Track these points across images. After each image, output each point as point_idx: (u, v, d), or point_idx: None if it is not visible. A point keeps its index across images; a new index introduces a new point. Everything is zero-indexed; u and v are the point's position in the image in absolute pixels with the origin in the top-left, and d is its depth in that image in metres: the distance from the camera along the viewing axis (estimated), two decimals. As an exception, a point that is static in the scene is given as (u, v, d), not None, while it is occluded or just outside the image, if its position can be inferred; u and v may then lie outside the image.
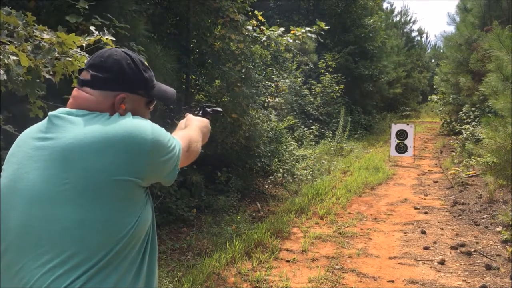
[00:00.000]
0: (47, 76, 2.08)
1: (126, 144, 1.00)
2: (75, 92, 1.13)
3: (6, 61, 1.85)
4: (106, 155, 0.98)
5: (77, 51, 2.21)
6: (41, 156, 1.01)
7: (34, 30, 2.13)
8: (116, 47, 1.21)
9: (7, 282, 1.00)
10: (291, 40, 6.18)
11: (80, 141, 0.99)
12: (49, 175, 0.98)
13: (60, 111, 1.08)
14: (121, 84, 1.12)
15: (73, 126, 1.03)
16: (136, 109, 1.16)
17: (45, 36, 2.13)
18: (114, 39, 2.40)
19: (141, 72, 1.16)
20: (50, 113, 1.09)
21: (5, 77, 1.87)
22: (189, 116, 1.51)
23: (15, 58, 1.89)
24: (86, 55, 2.24)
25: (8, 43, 1.96)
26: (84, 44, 2.28)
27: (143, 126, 1.06)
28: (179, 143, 1.18)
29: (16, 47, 1.94)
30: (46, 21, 2.51)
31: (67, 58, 2.13)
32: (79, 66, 2.17)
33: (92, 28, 2.39)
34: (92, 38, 2.31)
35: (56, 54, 2.13)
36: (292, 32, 6.36)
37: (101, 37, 2.34)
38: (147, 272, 1.09)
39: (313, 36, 6.26)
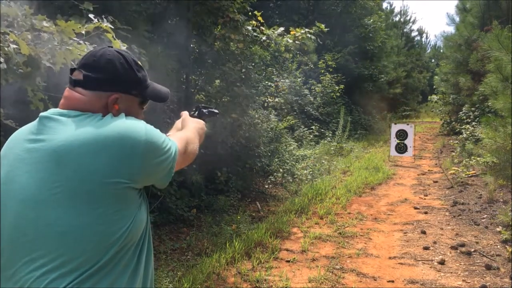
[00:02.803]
0: (48, 64, 2.08)
1: (118, 146, 0.98)
2: (66, 92, 1.10)
3: (6, 49, 1.84)
4: (98, 157, 0.96)
5: (77, 40, 2.21)
6: (32, 159, 0.99)
7: (34, 21, 2.13)
8: (110, 46, 1.19)
9: (2, 285, 0.99)
10: (290, 41, 6.19)
11: (72, 143, 0.97)
12: (41, 178, 0.97)
13: (51, 112, 1.06)
14: (114, 84, 1.10)
15: (65, 127, 1.01)
16: (130, 109, 1.14)
17: (45, 24, 2.13)
18: (112, 26, 2.39)
19: (135, 72, 1.14)
20: (41, 114, 1.07)
21: (5, 66, 1.86)
22: (185, 116, 1.48)
23: (15, 46, 1.89)
24: (86, 43, 2.23)
25: (8, 32, 1.96)
26: (83, 32, 2.27)
27: (137, 127, 1.04)
28: (175, 144, 1.15)
29: (16, 36, 1.94)
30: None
31: (67, 47, 2.13)
32: (79, 54, 2.17)
33: (91, 15, 2.38)
34: (91, 25, 2.30)
35: (56, 43, 2.12)
36: (292, 33, 6.37)
37: (100, 23, 2.33)
38: (143, 273, 1.09)
39: (313, 37, 6.28)
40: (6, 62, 1.89)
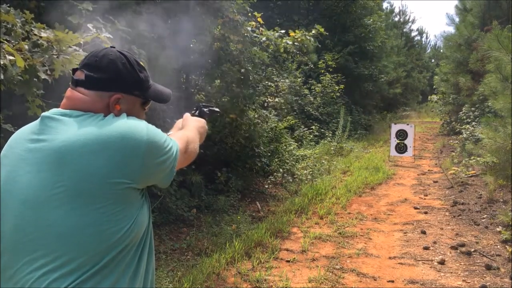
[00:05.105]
0: (44, 76, 2.08)
1: (120, 146, 0.98)
2: (68, 92, 1.10)
3: (2, 61, 1.85)
4: (99, 157, 0.96)
5: (75, 49, 2.21)
6: (34, 159, 0.99)
7: (33, 28, 2.13)
8: (112, 47, 1.19)
9: (2, 285, 1.00)
10: (290, 43, 6.21)
11: (73, 143, 0.97)
12: (43, 178, 0.97)
13: (53, 111, 1.06)
14: (116, 84, 1.10)
15: (66, 127, 1.00)
16: (131, 109, 1.14)
17: (43, 34, 2.13)
18: (111, 36, 2.40)
19: (137, 72, 1.14)
20: (43, 114, 1.06)
21: (2, 76, 1.87)
22: (186, 115, 1.49)
23: (11, 58, 1.89)
24: (84, 53, 2.24)
25: (5, 42, 1.96)
26: (81, 42, 2.28)
27: (138, 127, 1.04)
28: (177, 144, 1.16)
29: (13, 46, 1.94)
30: (47, 21, 2.51)
31: (65, 56, 2.13)
32: (77, 64, 2.17)
33: (89, 26, 2.40)
34: (90, 36, 2.31)
35: (54, 52, 2.13)
36: (291, 34, 6.39)
37: (98, 34, 2.34)
38: (144, 273, 1.09)
39: (312, 40, 6.33)
40: (3, 72, 1.88)
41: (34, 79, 2.12)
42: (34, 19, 2.23)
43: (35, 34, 2.13)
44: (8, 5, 2.15)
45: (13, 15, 2.05)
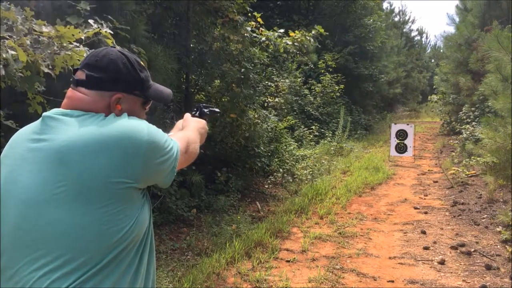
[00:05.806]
0: (46, 70, 2.08)
1: (121, 146, 0.99)
2: (69, 92, 1.11)
3: (4, 55, 1.84)
4: (101, 157, 0.96)
5: (76, 45, 2.21)
6: (35, 158, 0.99)
7: (33, 25, 2.13)
8: (112, 46, 1.19)
9: (3, 285, 1.00)
10: (289, 43, 6.23)
11: (75, 143, 0.97)
12: (44, 178, 0.97)
13: (54, 111, 1.06)
14: (116, 84, 1.10)
15: (68, 127, 1.01)
16: (132, 109, 1.14)
17: (45, 29, 2.13)
18: (112, 32, 2.40)
19: (137, 72, 1.14)
20: (44, 114, 1.07)
21: (3, 72, 1.86)
22: (187, 116, 1.49)
23: (13, 53, 1.89)
24: (86, 48, 2.23)
25: (7, 37, 1.96)
26: (83, 37, 2.28)
27: (139, 127, 1.04)
28: (177, 144, 1.16)
29: (14, 42, 1.94)
30: (46, 21, 2.51)
31: (67, 52, 2.13)
32: (78, 60, 2.17)
33: (91, 21, 2.39)
34: (91, 31, 2.31)
35: (56, 48, 2.13)
36: (291, 35, 6.40)
37: (100, 29, 2.34)
38: (145, 273, 1.09)
39: (312, 40, 6.34)
40: (4, 67, 1.88)
41: (36, 75, 2.12)
42: (33, 17, 2.22)
43: (35, 31, 2.13)
44: (9, 2, 2.15)
45: (14, 12, 2.05)
